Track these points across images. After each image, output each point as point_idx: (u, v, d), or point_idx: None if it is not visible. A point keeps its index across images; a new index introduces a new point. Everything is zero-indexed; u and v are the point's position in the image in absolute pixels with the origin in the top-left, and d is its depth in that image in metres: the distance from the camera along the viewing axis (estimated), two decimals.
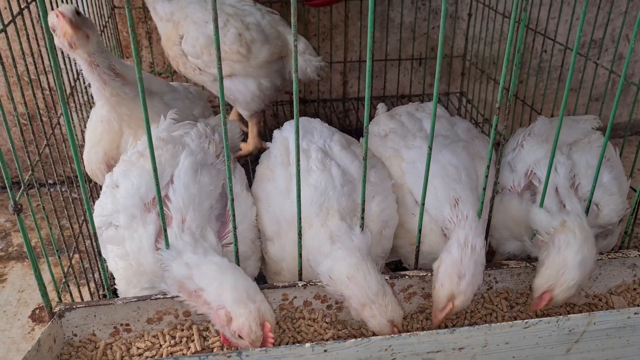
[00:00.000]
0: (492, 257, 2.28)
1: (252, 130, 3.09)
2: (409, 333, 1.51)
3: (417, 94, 3.76)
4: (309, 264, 1.81)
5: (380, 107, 2.53)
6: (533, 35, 3.07)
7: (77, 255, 2.27)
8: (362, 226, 1.80)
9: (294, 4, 1.37)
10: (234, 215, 1.69)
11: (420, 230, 1.85)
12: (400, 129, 2.25)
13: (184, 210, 1.74)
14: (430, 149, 1.68)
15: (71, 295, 2.04)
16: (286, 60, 2.92)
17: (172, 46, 2.80)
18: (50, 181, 2.09)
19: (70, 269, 2.03)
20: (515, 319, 1.86)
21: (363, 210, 1.78)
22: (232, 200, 1.66)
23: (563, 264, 1.70)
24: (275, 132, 2.23)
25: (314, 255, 1.77)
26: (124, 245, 1.73)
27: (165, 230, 1.65)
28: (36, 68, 2.00)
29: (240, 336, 1.54)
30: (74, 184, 2.67)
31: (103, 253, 1.81)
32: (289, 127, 2.20)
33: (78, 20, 1.83)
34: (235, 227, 1.71)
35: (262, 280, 2.02)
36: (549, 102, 3.12)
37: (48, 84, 2.31)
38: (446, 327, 1.84)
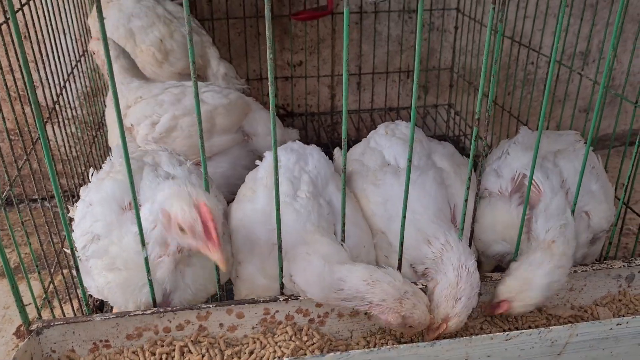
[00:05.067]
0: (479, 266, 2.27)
1: None
2: (388, 346, 1.50)
3: (405, 106, 3.77)
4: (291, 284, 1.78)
5: (336, 151, 2.36)
6: (518, 47, 3.08)
7: (64, 272, 2.24)
8: (342, 240, 1.78)
9: (269, 18, 1.37)
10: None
11: (402, 243, 1.83)
12: (361, 168, 2.16)
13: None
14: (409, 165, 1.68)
15: (52, 312, 2.02)
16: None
17: (88, 18, 2.84)
18: (36, 197, 2.07)
19: (51, 285, 2.01)
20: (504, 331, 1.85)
21: (344, 224, 1.76)
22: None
23: (528, 282, 1.72)
24: (267, 153, 2.13)
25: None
26: (109, 253, 1.71)
27: (140, 230, 1.63)
28: (20, 84, 2.00)
29: (181, 228, 1.51)
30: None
31: (85, 273, 1.79)
32: (281, 151, 2.09)
33: None
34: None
35: None
36: (536, 114, 3.13)
37: (29, 99, 2.29)
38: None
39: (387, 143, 2.20)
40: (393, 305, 1.58)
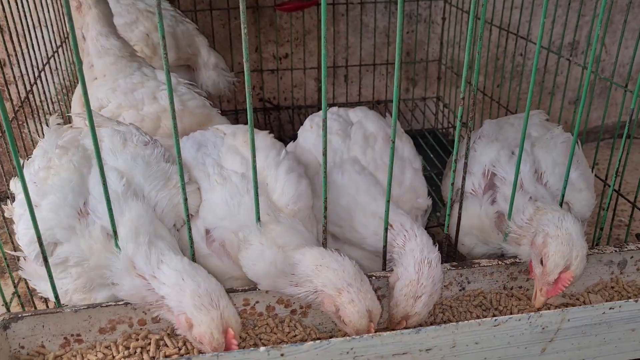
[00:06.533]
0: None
1: None
2: (371, 334, 1.43)
3: (392, 99, 3.71)
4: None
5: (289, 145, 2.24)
6: (506, 37, 3.03)
7: None
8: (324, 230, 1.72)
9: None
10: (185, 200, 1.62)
11: (386, 229, 1.76)
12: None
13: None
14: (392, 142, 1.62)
15: (23, 308, 1.94)
16: (197, 73, 2.92)
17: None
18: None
19: (21, 281, 1.93)
20: None
21: (325, 208, 1.69)
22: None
23: (569, 236, 1.63)
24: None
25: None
26: (74, 253, 1.59)
27: (115, 232, 1.56)
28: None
29: (201, 342, 1.46)
30: None
31: (41, 279, 1.68)
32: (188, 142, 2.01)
33: None
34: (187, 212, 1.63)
35: None
36: (525, 105, 3.08)
37: (10, 95, 2.21)
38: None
39: (314, 140, 2.09)
40: (331, 292, 1.54)
